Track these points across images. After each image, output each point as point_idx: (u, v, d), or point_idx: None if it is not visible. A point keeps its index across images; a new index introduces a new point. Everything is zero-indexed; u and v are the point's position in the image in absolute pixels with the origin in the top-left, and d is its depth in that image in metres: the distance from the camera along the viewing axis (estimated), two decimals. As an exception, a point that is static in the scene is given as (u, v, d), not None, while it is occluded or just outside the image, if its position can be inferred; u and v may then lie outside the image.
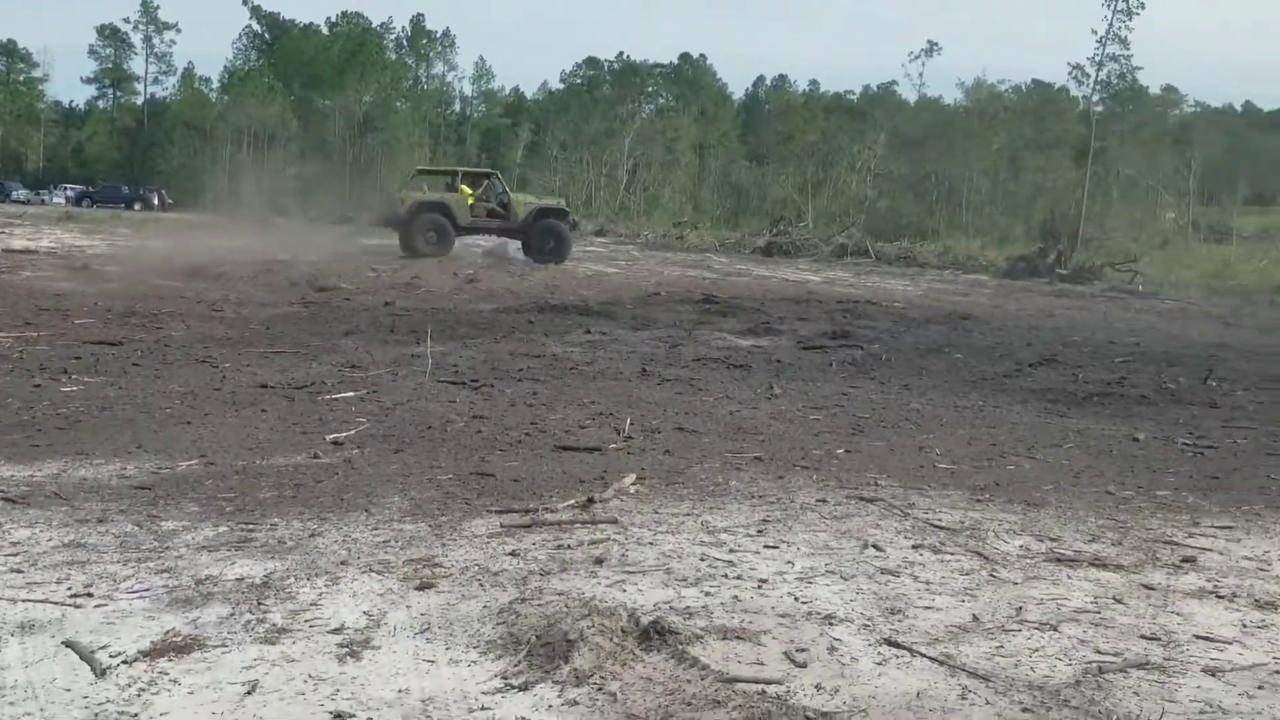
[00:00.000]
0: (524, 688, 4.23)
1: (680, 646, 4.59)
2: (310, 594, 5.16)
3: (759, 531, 6.49)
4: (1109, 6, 65.82)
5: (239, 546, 5.85)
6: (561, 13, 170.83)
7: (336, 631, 4.73)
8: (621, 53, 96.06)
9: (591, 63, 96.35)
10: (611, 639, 4.56)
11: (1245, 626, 5.30)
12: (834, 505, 7.18)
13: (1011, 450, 9.36)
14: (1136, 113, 74.39)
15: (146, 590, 5.17)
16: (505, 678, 4.31)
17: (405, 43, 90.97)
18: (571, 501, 6.84)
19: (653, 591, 5.33)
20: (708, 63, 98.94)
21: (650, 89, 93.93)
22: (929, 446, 9.34)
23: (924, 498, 7.53)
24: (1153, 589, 5.79)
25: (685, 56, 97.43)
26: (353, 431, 8.78)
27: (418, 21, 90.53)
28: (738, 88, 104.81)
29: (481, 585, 5.32)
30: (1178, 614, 5.42)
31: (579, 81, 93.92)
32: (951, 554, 6.24)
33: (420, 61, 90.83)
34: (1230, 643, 5.06)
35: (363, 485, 7.20)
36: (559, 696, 4.17)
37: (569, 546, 5.99)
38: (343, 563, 5.61)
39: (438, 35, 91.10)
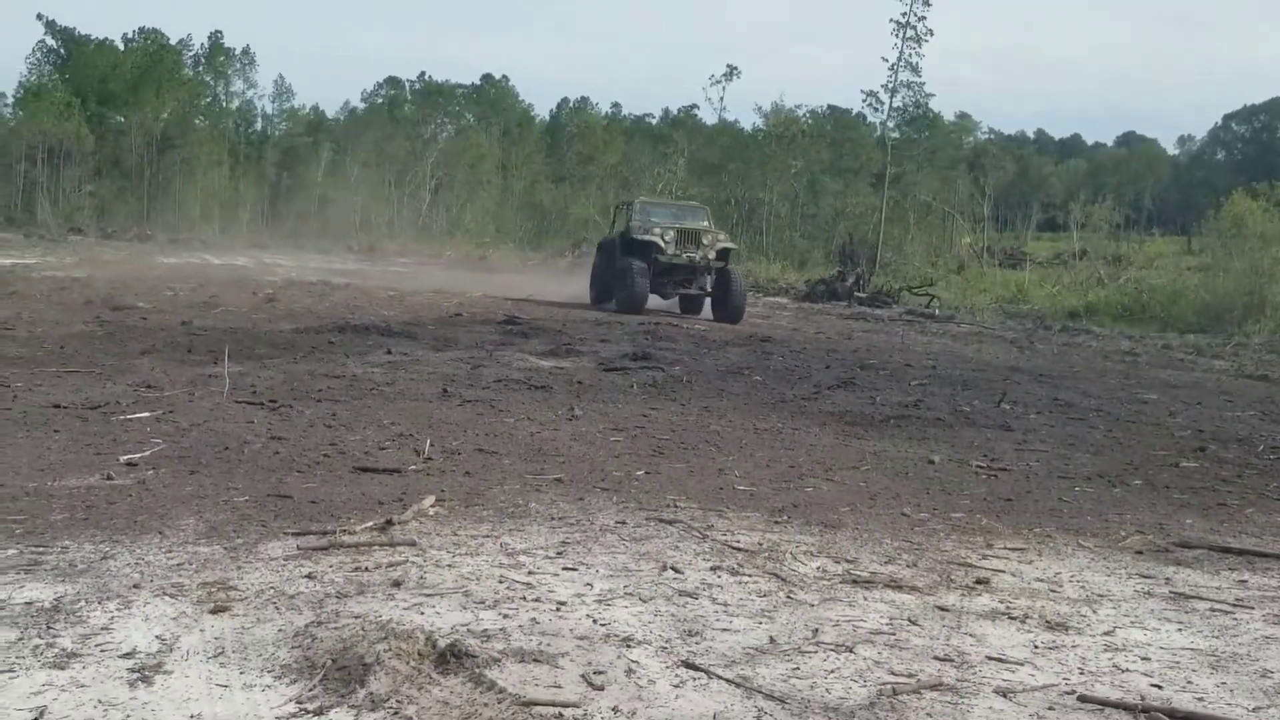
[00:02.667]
0: (319, 712, 4.19)
1: (478, 669, 4.58)
2: (101, 618, 5.04)
3: (558, 553, 6.50)
4: (899, 35, 67.48)
5: (28, 569, 5.69)
6: (362, 32, 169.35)
7: (128, 656, 4.63)
8: (423, 72, 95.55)
9: (393, 82, 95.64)
10: (408, 662, 4.53)
11: (1036, 647, 5.46)
12: (633, 527, 7.23)
13: (810, 472, 9.51)
14: (931, 139, 76.24)
15: (-71, 615, 5.00)
16: (300, 702, 4.26)
17: (204, 60, 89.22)
18: (370, 523, 6.77)
19: (451, 614, 5.31)
20: (510, 84, 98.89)
21: (453, 109, 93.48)
22: (728, 468, 9.44)
23: (723, 519, 7.62)
24: (947, 610, 5.93)
25: (488, 77, 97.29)
26: (147, 452, 8.58)
27: (216, 38, 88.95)
28: (542, 109, 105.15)
29: (277, 608, 5.25)
30: (971, 635, 5.56)
31: (380, 101, 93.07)
32: (749, 576, 6.32)
33: (219, 79, 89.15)
34: (1022, 664, 5.20)
35: (157, 507, 7.04)
36: (354, 721, 4.14)
37: (367, 569, 5.94)
38: (135, 586, 5.49)
39: (237, 53, 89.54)
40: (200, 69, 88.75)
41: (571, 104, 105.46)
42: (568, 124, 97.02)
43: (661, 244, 27.41)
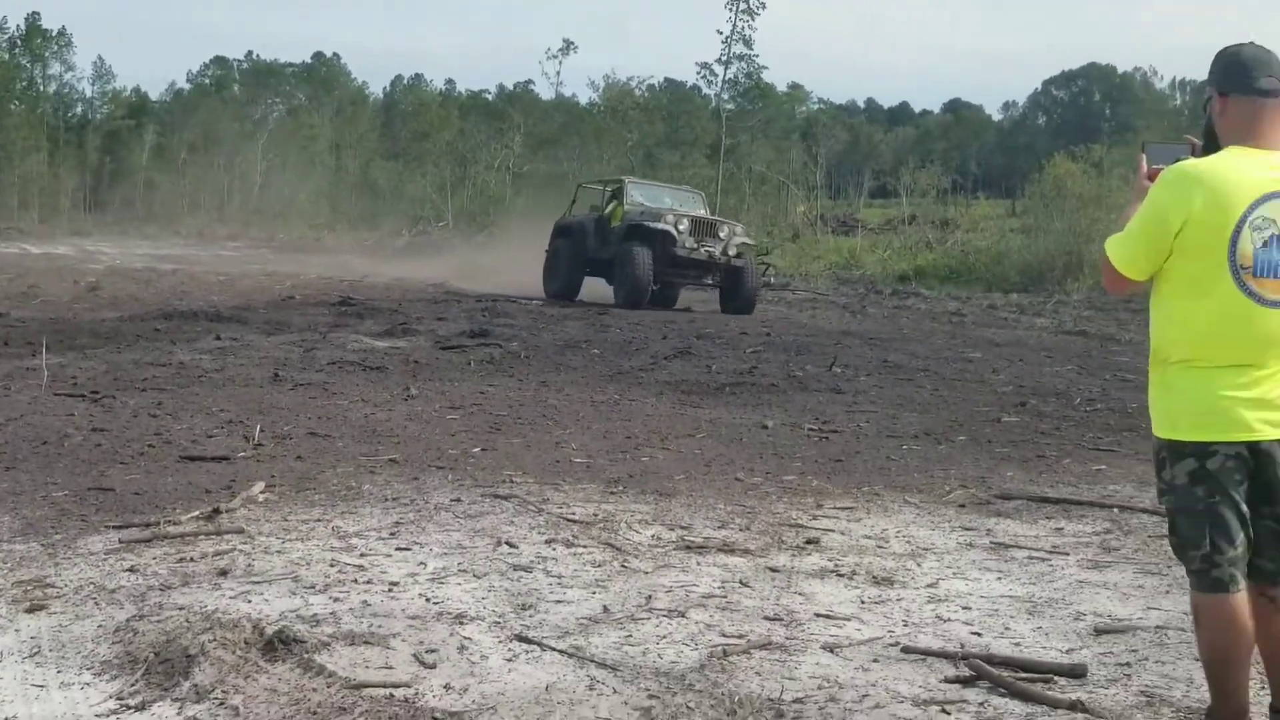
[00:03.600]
0: (141, 708, 4.11)
1: (306, 655, 4.54)
2: (-88, 621, 4.90)
3: (391, 534, 6.46)
4: (732, 8, 67.96)
5: None
6: (186, 11, 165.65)
7: (-62, 660, 4.51)
8: (251, 52, 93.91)
9: (220, 62, 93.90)
10: (234, 651, 4.47)
11: (863, 603, 5.57)
12: (468, 504, 7.21)
13: (646, 442, 9.59)
14: (764, 110, 76.85)
15: None
16: (121, 699, 4.18)
17: (19, 42, 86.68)
18: (196, 513, 6.66)
19: (279, 600, 5.25)
20: (342, 62, 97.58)
21: (284, 89, 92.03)
22: (565, 441, 9.48)
23: (558, 492, 7.65)
24: (777, 571, 6.02)
25: (319, 55, 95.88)
26: (-40, 451, 8.33)
27: (33, 20, 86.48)
28: (375, 86, 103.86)
29: (97, 604, 5.14)
30: (800, 594, 5.65)
31: (207, 82, 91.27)
32: (584, 547, 6.35)
33: (36, 62, 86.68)
34: (849, 619, 5.31)
35: (-30, 506, 6.85)
36: (178, 714, 4.06)
37: (192, 559, 5.83)
38: (-53, 588, 5.34)
39: (53, 34, 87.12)
40: (16, 52, 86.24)
41: (406, 81, 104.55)
42: (401, 101, 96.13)
43: (675, 234, 24.28)
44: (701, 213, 26.21)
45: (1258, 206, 3.70)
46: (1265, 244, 3.70)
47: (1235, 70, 3.81)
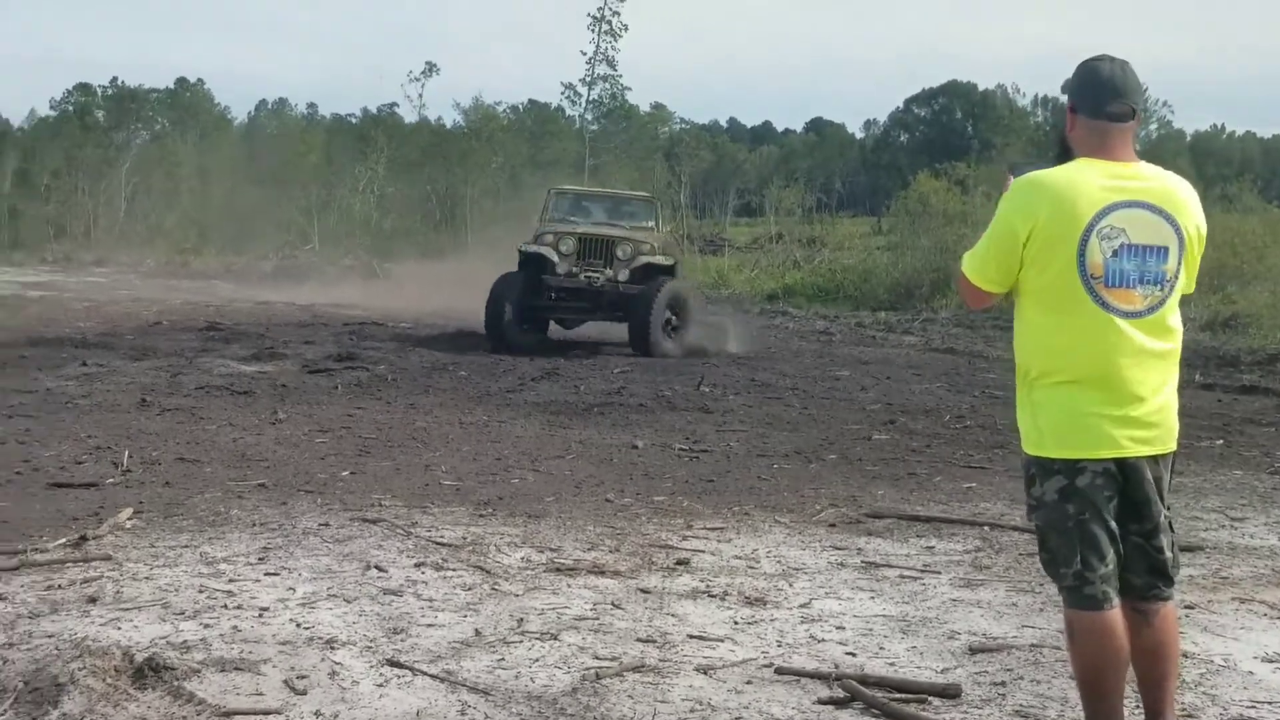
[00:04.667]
0: (10, 736, 4.09)
1: (176, 682, 4.53)
2: None
3: (260, 559, 6.45)
4: (595, 29, 68.22)
5: None
6: (50, 37, 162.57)
7: None
8: (115, 78, 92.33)
9: (83, 89, 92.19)
10: (104, 679, 4.45)
11: (736, 624, 5.65)
12: (337, 528, 7.21)
13: (515, 463, 9.63)
14: (628, 130, 77.09)
15: None
16: (-12, 728, 4.15)
17: None
18: (63, 540, 6.59)
19: (149, 627, 5.23)
20: (206, 87, 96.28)
21: (147, 114, 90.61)
22: (434, 464, 9.49)
23: (428, 516, 7.66)
24: (649, 593, 6.08)
25: (182, 81, 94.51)
26: None
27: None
28: (239, 111, 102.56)
29: (-36, 633, 5.08)
30: (673, 615, 5.72)
31: (69, 108, 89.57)
32: (454, 570, 6.38)
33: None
34: (722, 640, 5.38)
35: None
36: (49, 743, 4.05)
37: (60, 587, 5.79)
38: None
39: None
40: None
41: (269, 105, 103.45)
42: (265, 126, 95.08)
43: (554, 257, 19.57)
44: (626, 227, 20.62)
45: (1105, 215, 3.77)
46: (1115, 253, 3.76)
47: (1088, 91, 3.90)
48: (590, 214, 21.55)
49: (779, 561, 6.83)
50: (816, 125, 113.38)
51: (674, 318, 19.16)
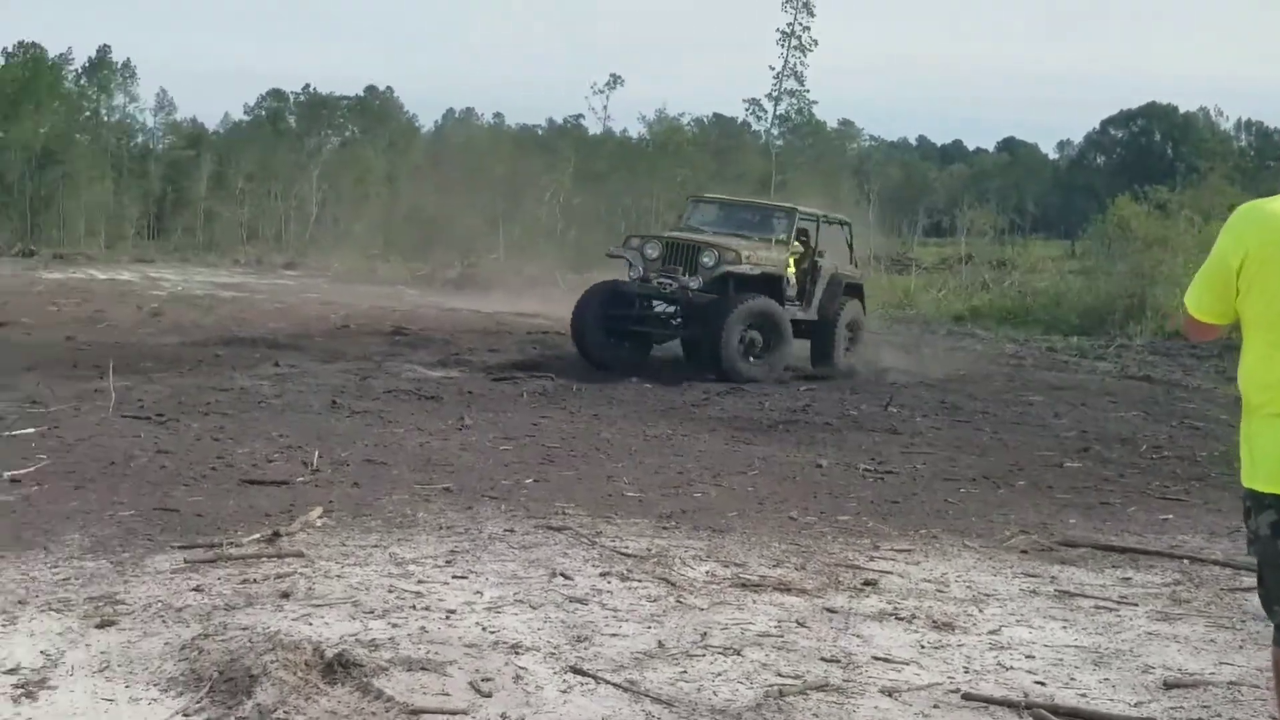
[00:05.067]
0: (205, 725, 4.16)
1: (365, 679, 4.58)
2: (-15, 634, 4.98)
3: (447, 562, 6.51)
4: (784, 44, 68.23)
5: (-87, 587, 5.61)
6: (245, 45, 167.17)
7: (12, 672, 4.58)
8: (308, 85, 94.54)
9: (276, 95, 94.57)
10: (296, 673, 4.52)
11: (923, 647, 5.54)
12: (522, 535, 7.25)
13: (698, 478, 9.57)
14: (815, 146, 76.91)
15: None
16: (186, 715, 4.23)
17: (85, 74, 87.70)
18: (257, 535, 6.74)
19: (339, 624, 5.30)
20: (395, 95, 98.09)
21: (337, 121, 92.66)
22: (617, 475, 9.49)
23: (611, 526, 7.66)
24: (834, 612, 6.00)
25: (371, 89, 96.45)
26: (32, 468, 8.44)
27: (104, 53, 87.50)
28: (427, 120, 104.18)
29: (164, 622, 5.21)
30: (858, 636, 5.63)
31: (263, 114, 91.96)
32: (638, 581, 6.36)
33: (101, 93, 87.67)
34: (908, 663, 5.28)
35: (42, 523, 6.96)
36: (241, 733, 4.12)
37: (254, 581, 5.90)
38: (20, 602, 5.43)
39: (119, 66, 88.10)
40: (82, 83, 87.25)
41: (457, 114, 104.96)
42: (453, 134, 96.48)
43: (639, 263, 17.55)
44: (719, 236, 18.05)
45: None
46: None
47: None
48: (725, 223, 19.08)
49: (968, 586, 6.69)
50: (1009, 145, 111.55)
51: (758, 336, 16.67)
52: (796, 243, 18.33)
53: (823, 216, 19.39)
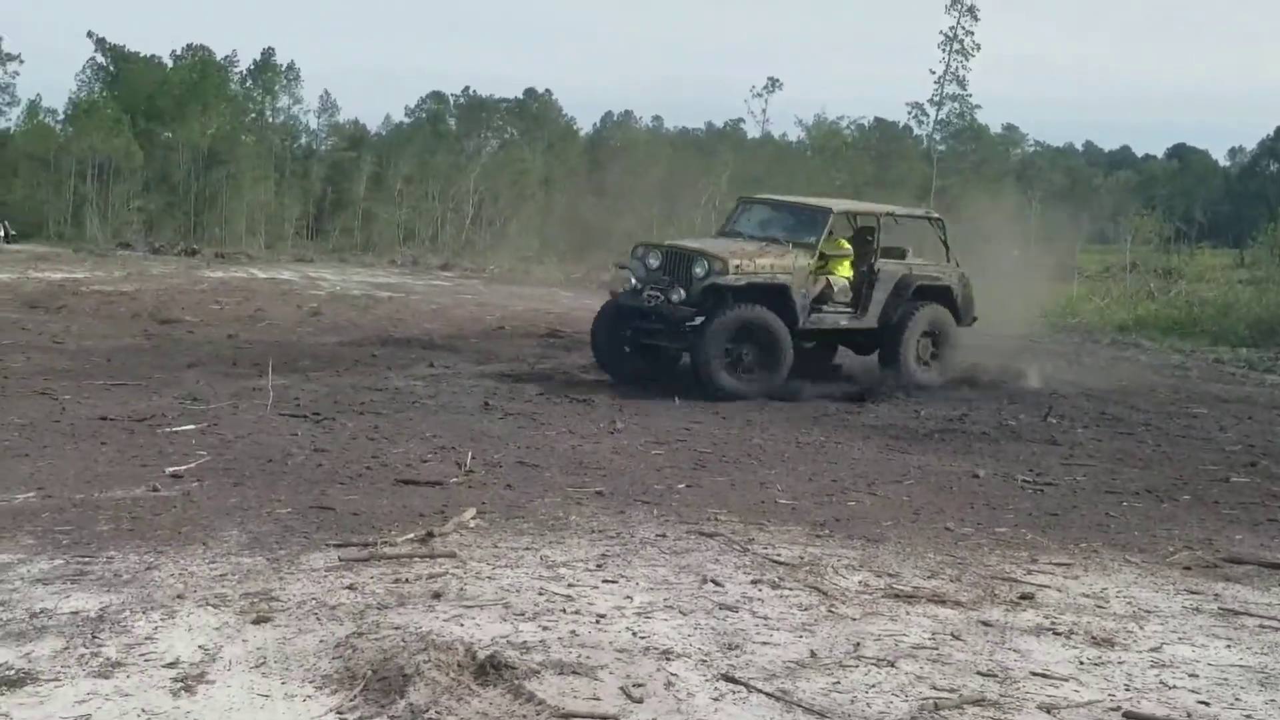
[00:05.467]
0: (359, 723, 4.19)
1: (517, 681, 4.59)
2: (145, 627, 5.10)
3: (598, 566, 6.51)
4: (946, 48, 67.50)
5: (74, 580, 5.76)
6: (406, 46, 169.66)
7: (171, 666, 4.67)
8: (468, 87, 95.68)
9: (436, 97, 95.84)
10: (448, 673, 4.54)
11: (1082, 663, 5.42)
12: (674, 540, 7.22)
13: (852, 486, 9.47)
14: (977, 151, 75.98)
15: (-24, 624, 5.05)
16: (340, 712, 4.27)
17: (250, 76, 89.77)
18: (411, 535, 6.81)
19: (491, 626, 5.32)
20: (554, 98, 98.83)
21: (496, 124, 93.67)
22: (770, 482, 9.42)
23: (764, 533, 7.60)
24: (990, 625, 5.89)
25: (531, 92, 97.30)
26: (192, 464, 8.65)
27: (268, 55, 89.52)
28: (585, 122, 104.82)
29: (318, 619, 5.28)
30: (1015, 651, 5.53)
31: (423, 115, 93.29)
32: (790, 589, 6.30)
33: (266, 94, 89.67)
34: (1066, 679, 5.17)
35: (201, 518, 7.11)
36: (394, 732, 4.14)
37: (407, 580, 5.96)
38: (179, 596, 5.54)
39: (283, 68, 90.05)
40: (247, 85, 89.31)
41: (615, 118, 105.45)
42: (611, 138, 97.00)
43: (641, 273, 16.24)
44: (739, 241, 16.68)
45: None
46: None
47: None
48: (770, 226, 17.37)
49: (1129, 602, 6.53)
50: (1179, 151, 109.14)
51: (748, 350, 15.13)
52: (845, 243, 16.85)
53: (889, 214, 17.71)
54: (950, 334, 16.93)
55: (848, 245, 16.88)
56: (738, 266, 15.53)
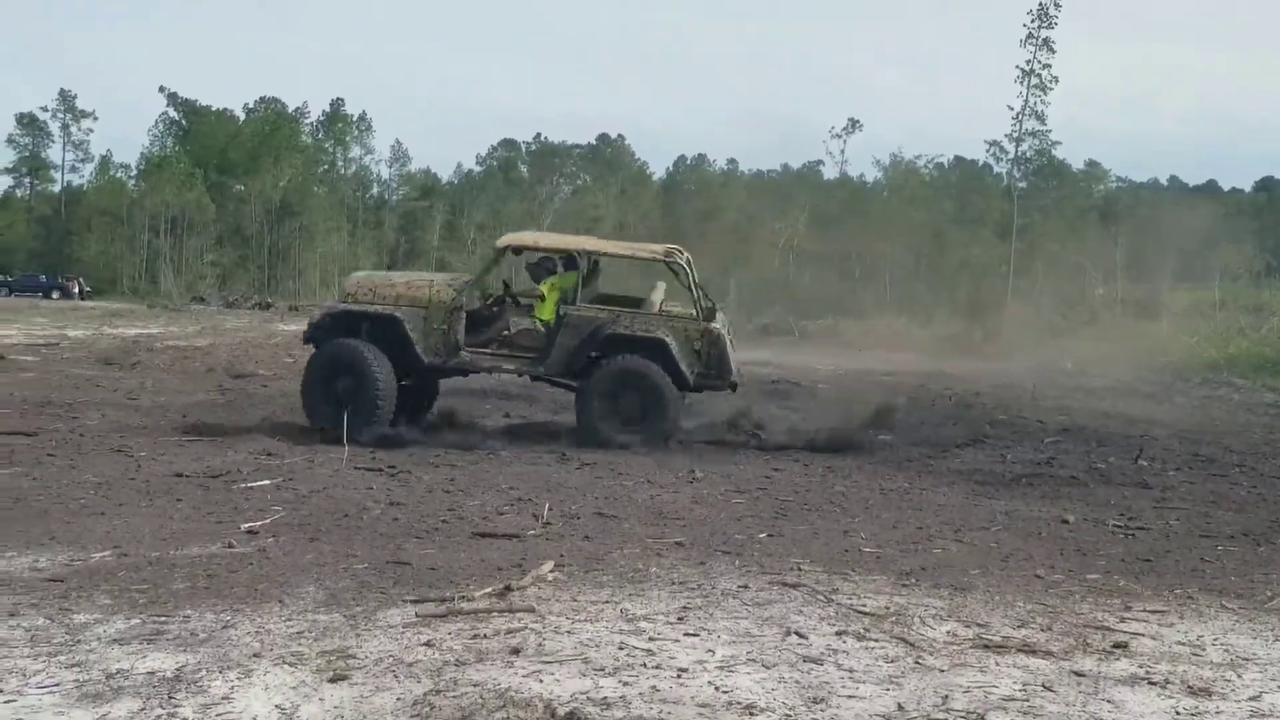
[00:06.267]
0: (437, 785, 4.12)
1: (598, 738, 4.50)
2: (222, 687, 5.06)
3: (679, 619, 6.40)
4: (1024, 83, 67.19)
5: (151, 639, 5.74)
6: (477, 95, 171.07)
7: (248, 727, 4.62)
8: (539, 134, 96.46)
9: (508, 144, 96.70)
10: (528, 731, 4.46)
11: (1179, 714, 5.27)
12: (756, 591, 7.11)
13: (938, 533, 9.34)
14: (1059, 187, 75.58)
15: (56, 685, 5.06)
16: (418, 773, 4.20)
17: (321, 127, 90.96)
18: (488, 589, 6.74)
19: (570, 681, 5.23)
20: (626, 142, 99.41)
21: (569, 169, 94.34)
22: (853, 530, 9.30)
23: (848, 583, 7.47)
24: (1083, 675, 5.74)
25: (603, 137, 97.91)
26: (268, 520, 8.66)
27: (337, 106, 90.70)
28: (658, 166, 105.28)
29: (396, 676, 5.21)
30: (1109, 701, 5.38)
31: (495, 163, 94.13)
32: (876, 641, 6.18)
33: (337, 145, 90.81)
34: (1163, 731, 5.00)
35: (277, 575, 7.09)
36: (473, 794, 4.06)
37: (485, 636, 5.89)
38: (255, 655, 5.50)
39: (354, 118, 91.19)
40: (319, 136, 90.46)
41: (689, 160, 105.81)
42: (685, 181, 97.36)
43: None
44: (408, 275, 15.74)
45: None
46: None
47: None
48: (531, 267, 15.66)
49: (1226, 650, 6.34)
50: (1266, 184, 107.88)
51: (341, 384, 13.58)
52: (553, 284, 14.88)
53: (606, 254, 15.40)
54: (665, 394, 13.98)
55: (557, 286, 14.87)
56: (350, 295, 14.59)
